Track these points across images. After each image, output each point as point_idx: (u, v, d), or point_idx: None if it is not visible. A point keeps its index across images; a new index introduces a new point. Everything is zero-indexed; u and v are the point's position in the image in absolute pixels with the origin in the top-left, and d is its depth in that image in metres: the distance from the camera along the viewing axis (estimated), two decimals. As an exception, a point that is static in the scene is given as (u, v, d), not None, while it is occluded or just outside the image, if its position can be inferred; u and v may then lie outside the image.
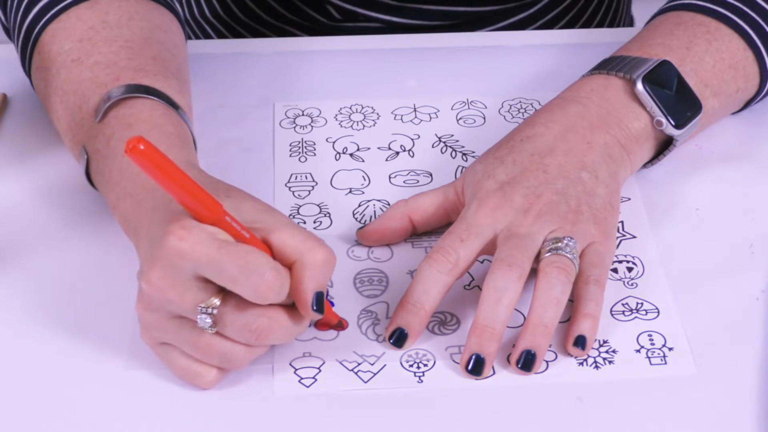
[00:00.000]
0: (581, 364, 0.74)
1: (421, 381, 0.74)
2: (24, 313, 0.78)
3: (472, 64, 1.01)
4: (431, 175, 0.89)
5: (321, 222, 0.85)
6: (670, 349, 0.76)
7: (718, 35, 0.88)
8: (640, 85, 0.83)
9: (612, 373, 0.74)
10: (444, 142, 0.92)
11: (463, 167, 0.90)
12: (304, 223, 0.85)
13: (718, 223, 0.85)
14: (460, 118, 0.95)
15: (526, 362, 0.73)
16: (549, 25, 1.13)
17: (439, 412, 0.72)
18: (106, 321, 0.77)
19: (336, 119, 0.94)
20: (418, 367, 0.74)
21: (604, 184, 0.80)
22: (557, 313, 0.74)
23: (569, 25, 1.15)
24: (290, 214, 0.85)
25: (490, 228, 0.77)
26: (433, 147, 0.92)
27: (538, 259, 0.76)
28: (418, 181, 0.89)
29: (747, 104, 0.92)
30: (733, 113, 0.93)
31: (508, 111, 0.95)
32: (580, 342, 0.74)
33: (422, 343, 0.76)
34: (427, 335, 0.76)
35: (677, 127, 0.84)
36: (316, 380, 0.74)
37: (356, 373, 0.74)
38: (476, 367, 0.73)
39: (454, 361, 0.74)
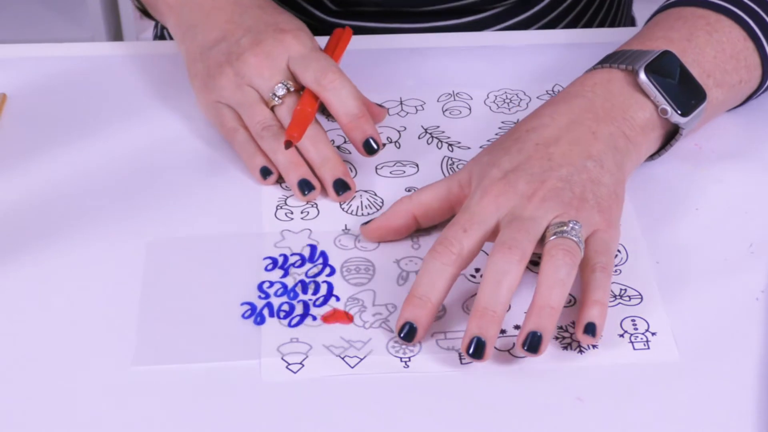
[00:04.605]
0: (565, 348, 0.75)
1: (407, 366, 0.74)
2: (25, 313, 0.78)
3: (471, 64, 1.01)
4: (417, 165, 0.90)
5: (308, 213, 0.86)
6: (653, 334, 0.76)
7: (718, 26, 0.88)
8: (642, 75, 0.83)
9: (595, 357, 0.75)
10: (430, 134, 0.93)
11: (448, 157, 0.91)
12: (292, 213, 0.86)
13: (717, 223, 0.84)
14: (446, 110, 0.96)
15: (533, 344, 0.72)
16: (550, 26, 1.13)
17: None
18: (110, 320, 0.77)
19: (323, 112, 0.94)
20: (405, 353, 0.75)
21: (610, 173, 0.80)
22: (563, 294, 0.73)
23: (570, 26, 1.15)
24: (278, 205, 0.87)
25: (494, 216, 0.77)
26: (419, 138, 0.93)
27: (542, 243, 0.76)
28: (405, 172, 0.90)
29: (749, 97, 0.92)
30: (735, 107, 0.92)
31: (494, 101, 0.96)
32: (590, 329, 0.74)
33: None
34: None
35: (683, 114, 0.84)
36: (303, 366, 0.74)
37: (343, 359, 0.75)
38: (477, 349, 0.73)
39: (439, 346, 0.75)
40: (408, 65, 1.01)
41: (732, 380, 0.73)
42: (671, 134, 0.86)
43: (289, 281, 0.80)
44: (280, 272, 0.81)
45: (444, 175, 0.89)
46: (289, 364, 0.75)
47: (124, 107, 0.97)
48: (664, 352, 0.75)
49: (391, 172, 0.90)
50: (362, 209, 0.86)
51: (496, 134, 0.93)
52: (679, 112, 0.84)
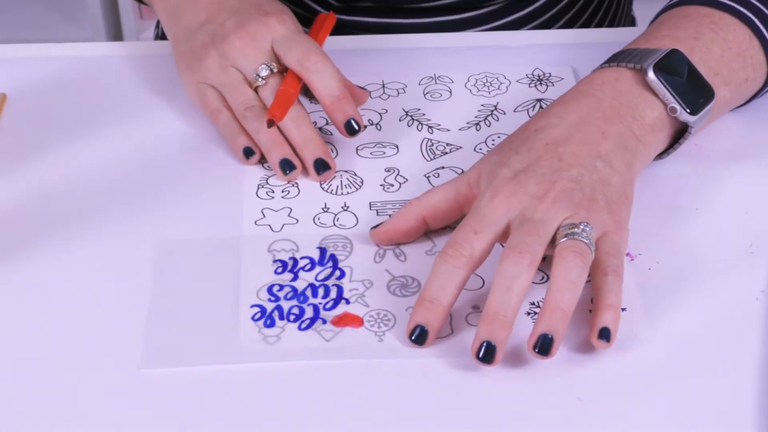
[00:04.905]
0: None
1: (382, 340, 0.75)
2: (27, 314, 0.78)
3: (470, 63, 1.01)
4: (397, 147, 0.92)
5: (289, 191, 0.88)
6: (623, 309, 0.76)
7: (724, 25, 0.88)
8: (651, 74, 0.83)
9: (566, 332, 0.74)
10: (411, 116, 0.95)
11: (428, 139, 0.92)
12: (273, 192, 0.87)
13: (718, 223, 0.84)
14: (427, 93, 0.97)
15: (544, 346, 0.72)
16: (547, 24, 1.13)
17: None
18: (113, 321, 0.77)
19: (306, 94, 0.95)
20: (379, 327, 0.76)
21: (619, 173, 0.80)
22: (574, 297, 0.73)
23: (568, 25, 1.15)
24: (259, 184, 0.88)
25: (504, 217, 0.77)
26: (400, 120, 0.94)
27: (553, 244, 0.76)
28: (384, 153, 0.91)
29: (753, 96, 0.91)
30: (738, 106, 0.92)
31: (474, 85, 0.98)
32: (605, 334, 0.73)
33: (384, 305, 0.77)
34: (387, 297, 0.78)
35: (692, 113, 0.84)
36: (279, 338, 0.75)
37: (319, 332, 0.76)
38: (487, 354, 0.72)
39: None
40: (398, 61, 1.02)
41: (732, 380, 0.73)
42: (679, 133, 0.86)
43: (299, 285, 0.80)
44: (290, 275, 0.81)
45: (424, 156, 0.91)
46: (266, 337, 0.76)
47: (124, 107, 0.97)
48: (633, 324, 0.76)
49: (371, 153, 0.91)
50: (342, 188, 0.88)
51: (476, 117, 0.94)
52: (688, 110, 0.84)
